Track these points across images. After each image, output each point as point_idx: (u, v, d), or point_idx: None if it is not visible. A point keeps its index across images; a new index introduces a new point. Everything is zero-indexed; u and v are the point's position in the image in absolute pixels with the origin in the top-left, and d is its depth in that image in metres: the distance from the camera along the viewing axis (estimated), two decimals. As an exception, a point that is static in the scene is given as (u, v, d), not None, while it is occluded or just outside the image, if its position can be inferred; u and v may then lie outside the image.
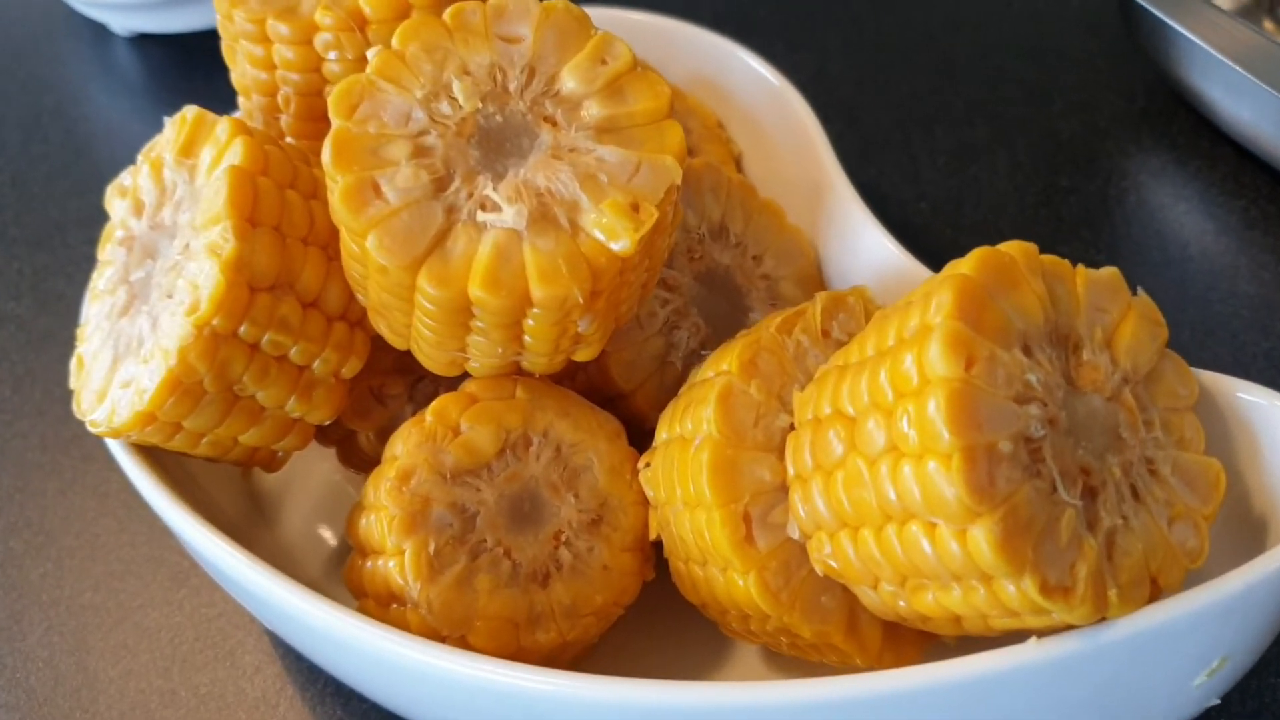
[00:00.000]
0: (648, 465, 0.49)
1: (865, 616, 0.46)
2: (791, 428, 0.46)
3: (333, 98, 0.46)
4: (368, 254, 0.45)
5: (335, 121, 0.46)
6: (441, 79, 0.46)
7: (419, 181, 0.45)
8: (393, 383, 0.55)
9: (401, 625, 0.46)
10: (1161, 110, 0.74)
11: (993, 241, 0.63)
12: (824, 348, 0.47)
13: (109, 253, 0.55)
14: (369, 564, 0.49)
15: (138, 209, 0.54)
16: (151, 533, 0.66)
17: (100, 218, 0.82)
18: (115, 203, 0.55)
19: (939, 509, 0.38)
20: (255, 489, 0.63)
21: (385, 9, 0.54)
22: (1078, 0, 0.83)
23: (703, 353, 0.54)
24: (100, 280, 0.55)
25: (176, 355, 0.47)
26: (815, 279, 0.59)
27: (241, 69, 0.57)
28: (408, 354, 0.56)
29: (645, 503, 0.49)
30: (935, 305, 0.39)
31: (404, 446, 0.48)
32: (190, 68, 0.96)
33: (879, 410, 0.40)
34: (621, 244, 0.44)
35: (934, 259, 0.54)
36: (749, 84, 0.65)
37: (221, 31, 0.58)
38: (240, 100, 0.59)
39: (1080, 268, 0.43)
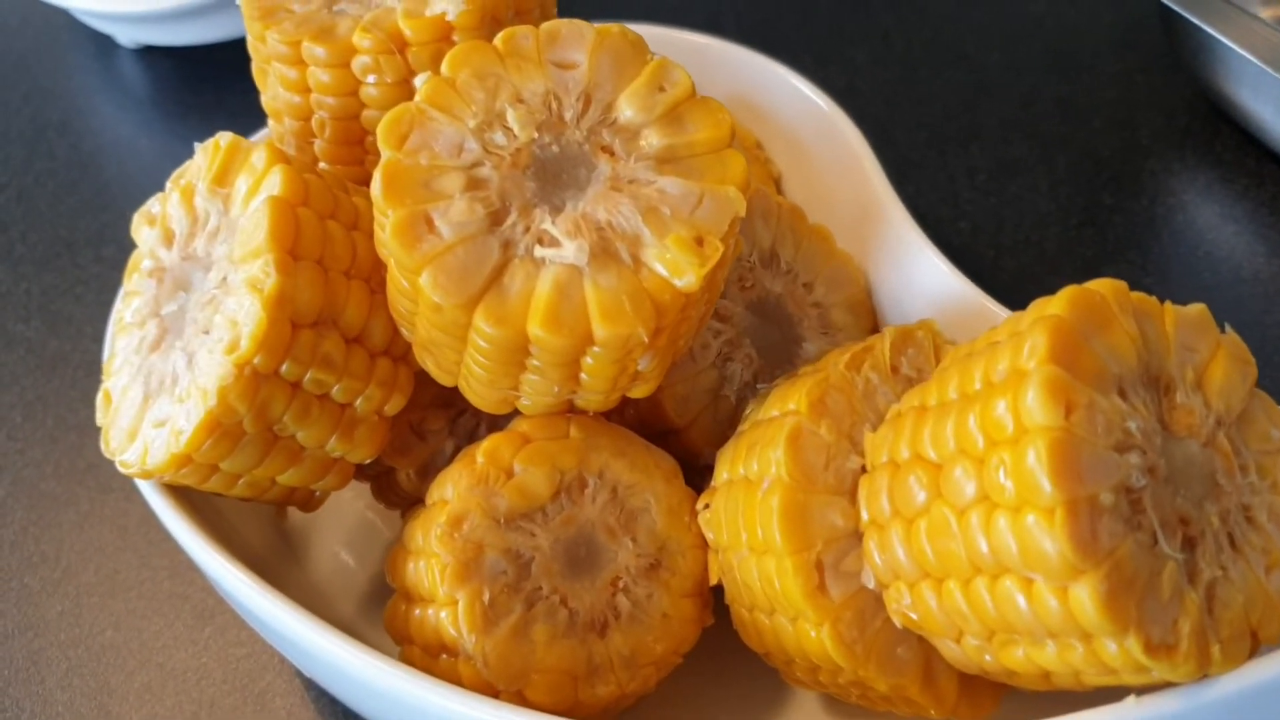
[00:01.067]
0: (707, 507, 0.47)
1: (942, 667, 0.44)
2: (864, 470, 0.44)
3: (382, 127, 0.44)
4: (421, 291, 0.43)
5: (385, 152, 0.44)
6: (494, 107, 0.44)
7: (474, 215, 0.43)
8: (433, 417, 0.53)
9: (452, 677, 0.45)
10: (1204, 127, 0.73)
11: (1037, 263, 0.61)
12: (893, 385, 0.45)
13: (136, 283, 0.53)
14: (416, 612, 0.47)
15: (168, 239, 0.51)
16: (174, 567, 0.64)
17: (109, 235, 0.80)
18: (143, 231, 0.53)
19: (1038, 565, 0.36)
20: (284, 524, 0.61)
21: (426, 31, 0.51)
22: (1111, 16, 0.82)
23: (758, 386, 0.52)
24: (128, 312, 0.53)
25: (216, 396, 0.45)
26: (866, 306, 0.57)
27: (274, 92, 0.55)
28: (448, 387, 0.54)
29: (704, 545, 0.48)
30: (1029, 348, 0.37)
31: (455, 489, 0.46)
32: (199, 81, 0.94)
33: (968, 458, 0.38)
34: (687, 280, 0.42)
35: (976, 280, 0.53)
36: (788, 103, 0.63)
37: (253, 53, 0.55)
38: (271, 124, 0.57)
39: (1169, 305, 0.41)
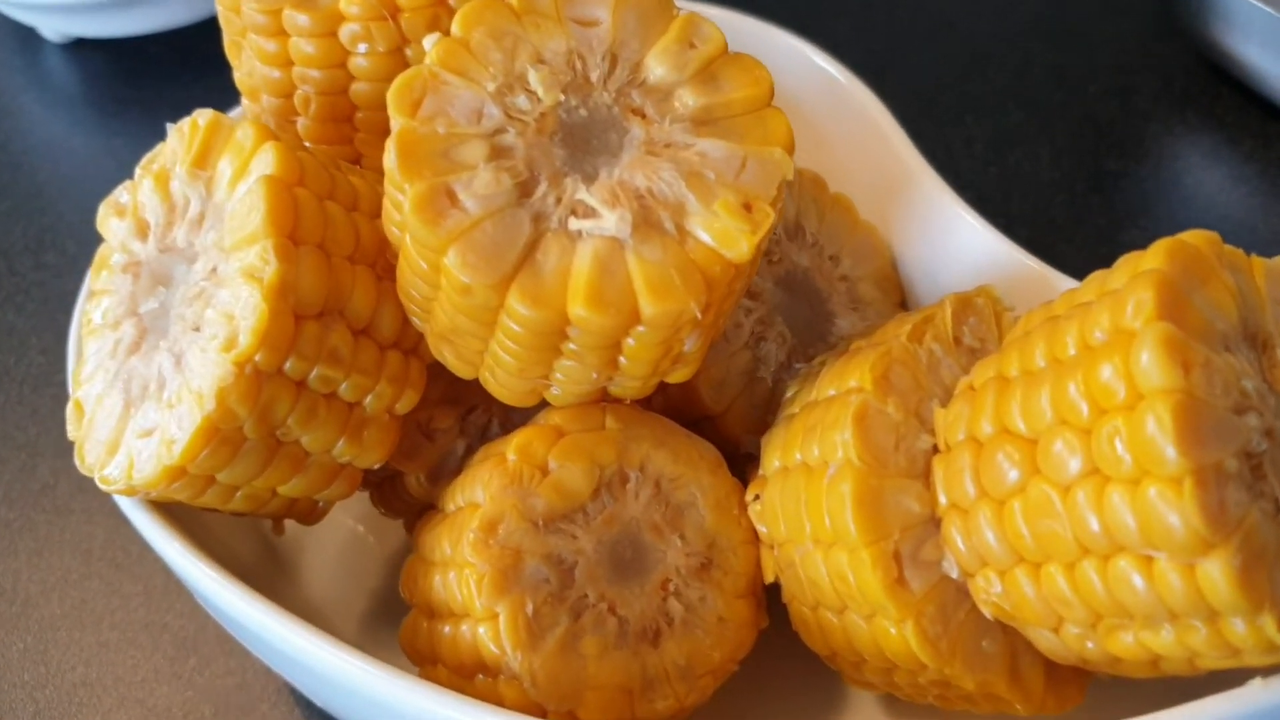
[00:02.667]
0: (757, 498, 0.44)
1: (1027, 659, 0.41)
2: (935, 450, 0.40)
3: (392, 92, 0.40)
4: (446, 272, 0.39)
5: (397, 120, 0.39)
6: (514, 69, 0.40)
7: (501, 187, 0.39)
8: (441, 415, 0.49)
9: (492, 699, 0.40)
10: (1203, 90, 0.71)
11: (1048, 231, 0.58)
12: (957, 356, 0.42)
13: (106, 281, 0.48)
14: (446, 629, 0.42)
15: (141, 230, 0.46)
16: (149, 593, 0.59)
17: (49, 241, 0.74)
18: (111, 223, 0.48)
19: (1161, 540, 0.33)
20: (272, 540, 0.56)
21: (420, -6, 0.47)
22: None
23: (795, 366, 0.48)
24: (97, 313, 0.48)
25: (214, 398, 0.41)
26: (893, 279, 0.54)
27: (249, 67, 0.50)
28: (456, 382, 0.50)
29: (755, 541, 0.44)
30: (1134, 306, 0.34)
31: (486, 491, 0.41)
32: (137, 75, 0.88)
33: (1070, 429, 0.35)
34: (739, 249, 0.39)
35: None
36: (801, 74, 0.60)
37: (225, 26, 0.51)
38: (245, 104, 0.52)
39: (1255, 258, 0.39)
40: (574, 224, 0.39)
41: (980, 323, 0.43)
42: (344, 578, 0.56)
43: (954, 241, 0.50)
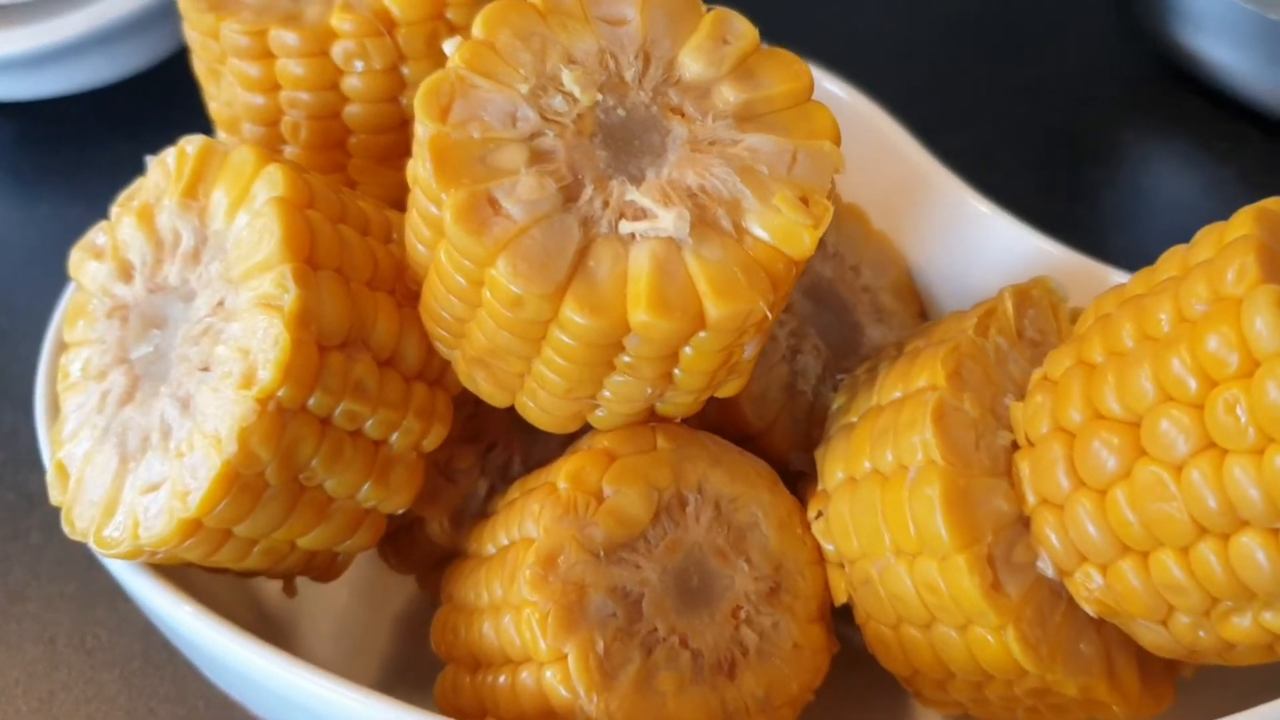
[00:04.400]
0: (820, 515, 0.41)
1: (1122, 660, 0.39)
2: (1015, 447, 0.38)
3: (419, 97, 0.37)
4: (493, 284, 0.36)
5: (428, 126, 0.36)
6: (545, 70, 0.38)
7: (546, 192, 0.36)
8: (461, 455, 0.46)
9: (561, 751, 0.37)
10: (1168, 94, 0.71)
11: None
12: (1021, 350, 0.40)
13: (84, 330, 0.44)
14: (501, 679, 0.39)
15: (124, 272, 0.43)
16: (125, 680, 0.53)
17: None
18: (88, 268, 0.44)
19: (1295, 511, 0.31)
20: (267, 610, 0.52)
21: (417, 9, 0.45)
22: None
23: (838, 377, 0.46)
24: (74, 366, 0.43)
25: (235, 440, 0.37)
26: (910, 288, 0.52)
27: (229, 95, 0.47)
28: (473, 418, 0.47)
29: (822, 561, 0.41)
30: (1235, 272, 0.33)
31: (538, 524, 0.38)
32: (51, 140, 0.83)
33: (1177, 405, 0.33)
34: (801, 244, 0.37)
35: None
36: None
37: (200, 54, 0.47)
38: (221, 137, 0.49)
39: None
40: (625, 227, 0.36)
41: (1039, 315, 0.41)
42: (348, 646, 0.52)
43: (985, 242, 0.49)
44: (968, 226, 0.50)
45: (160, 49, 0.80)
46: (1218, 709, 0.37)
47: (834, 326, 0.48)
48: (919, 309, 0.52)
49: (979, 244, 0.49)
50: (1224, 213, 0.60)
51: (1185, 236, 0.38)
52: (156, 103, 0.80)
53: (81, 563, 0.58)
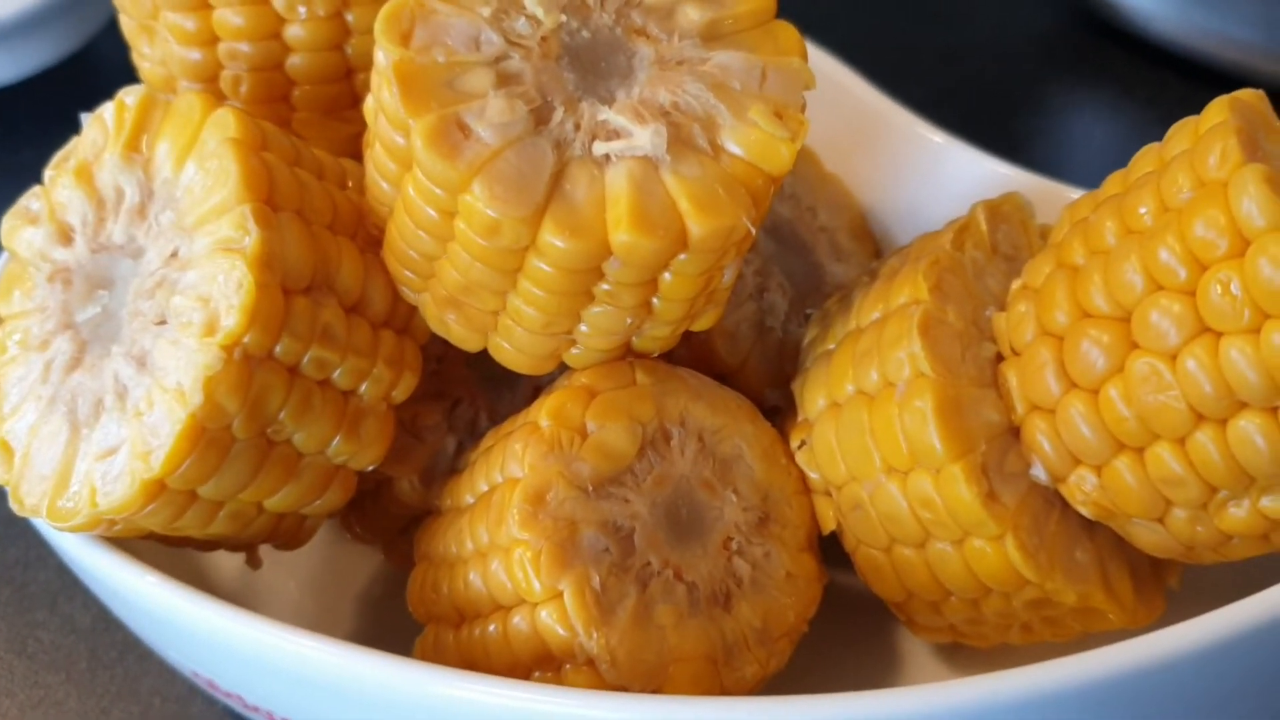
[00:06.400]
0: (803, 444, 0.40)
1: (1114, 568, 0.39)
2: (999, 358, 0.38)
3: (379, 23, 0.36)
4: (468, 212, 0.34)
5: (391, 52, 0.35)
6: (505, -8, 0.37)
7: (516, 114, 0.35)
8: (427, 412, 0.44)
9: (559, 694, 0.35)
10: (1089, 46, 0.73)
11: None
12: (996, 264, 0.40)
13: (21, 301, 0.41)
14: (490, 628, 0.37)
15: (63, 235, 0.40)
16: (73, 682, 0.51)
17: None
18: (23, 235, 0.41)
19: (1293, 388, 0.31)
20: (226, 593, 0.49)
21: (360, -51, 0.43)
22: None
23: (807, 312, 0.46)
24: (11, 340, 0.41)
25: (200, 391, 0.35)
26: (865, 229, 0.52)
27: (162, 53, 0.45)
28: (437, 373, 0.45)
29: (807, 491, 0.41)
30: (1217, 156, 0.33)
31: (523, 464, 0.37)
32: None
33: (1168, 294, 0.33)
34: (777, 159, 0.36)
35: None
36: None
37: (130, 8, 0.45)
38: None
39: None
40: (599, 148, 0.35)
41: (1012, 230, 0.41)
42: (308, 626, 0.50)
43: (942, 172, 0.49)
44: (923, 157, 0.50)
45: (64, 45, 0.77)
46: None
47: (797, 265, 0.48)
48: (874, 249, 0.52)
49: (936, 174, 0.49)
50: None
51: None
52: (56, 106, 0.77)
53: (16, 566, 0.55)
